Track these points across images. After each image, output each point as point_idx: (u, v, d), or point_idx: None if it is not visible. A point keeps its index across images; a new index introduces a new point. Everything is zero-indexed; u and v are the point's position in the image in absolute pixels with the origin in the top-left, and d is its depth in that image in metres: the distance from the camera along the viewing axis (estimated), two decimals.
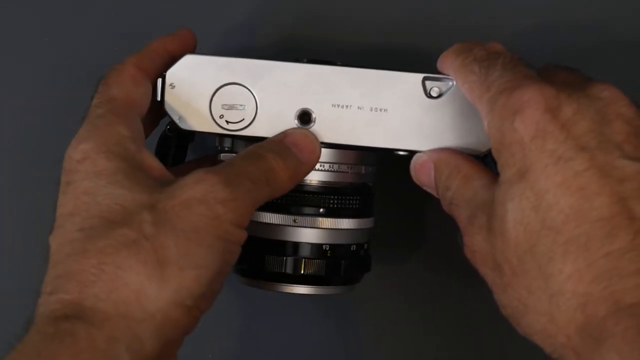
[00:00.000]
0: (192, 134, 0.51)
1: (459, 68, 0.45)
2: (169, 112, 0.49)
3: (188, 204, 0.42)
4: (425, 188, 0.48)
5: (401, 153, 0.49)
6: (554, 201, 0.39)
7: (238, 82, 0.48)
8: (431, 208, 0.59)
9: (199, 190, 0.42)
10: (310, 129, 0.48)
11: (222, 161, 0.50)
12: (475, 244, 0.43)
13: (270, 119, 0.48)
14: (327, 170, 0.49)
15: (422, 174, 0.48)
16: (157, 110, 0.49)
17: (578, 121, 0.40)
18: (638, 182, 0.39)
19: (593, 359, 0.37)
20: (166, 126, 0.52)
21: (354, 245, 0.51)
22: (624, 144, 0.40)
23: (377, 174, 0.52)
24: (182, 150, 0.55)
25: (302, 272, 0.49)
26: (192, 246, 0.41)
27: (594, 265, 0.38)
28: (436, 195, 0.48)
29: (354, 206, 0.50)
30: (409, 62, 0.50)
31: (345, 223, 0.50)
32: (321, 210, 0.49)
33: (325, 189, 0.50)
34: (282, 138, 0.48)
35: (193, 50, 0.50)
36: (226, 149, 0.50)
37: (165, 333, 0.41)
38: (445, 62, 0.47)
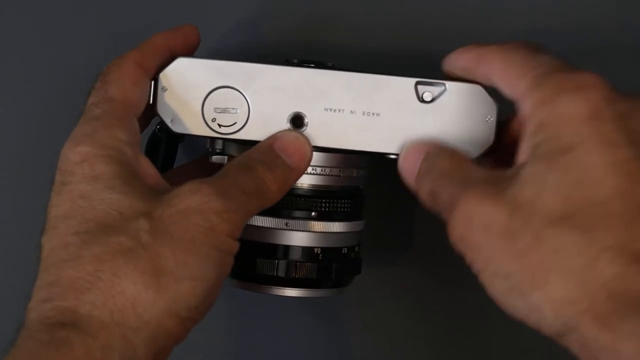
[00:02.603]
0: (183, 135, 0.51)
1: (502, 48, 0.45)
2: (161, 115, 0.48)
3: (185, 214, 0.42)
4: (407, 178, 0.48)
5: (393, 157, 0.49)
6: (602, 178, 0.39)
7: (230, 85, 0.48)
8: (422, 209, 0.59)
9: (195, 200, 0.42)
10: (302, 133, 0.48)
11: (214, 164, 0.50)
12: (479, 211, 0.41)
13: (263, 123, 0.48)
14: (319, 174, 0.49)
15: (408, 161, 0.47)
16: (151, 108, 0.49)
17: (631, 117, 0.41)
18: None
19: (620, 327, 0.37)
20: (156, 126, 0.52)
21: (345, 248, 0.51)
22: None
23: (369, 177, 0.52)
24: (172, 149, 0.54)
25: (294, 275, 0.49)
26: (189, 256, 0.41)
27: (636, 242, 0.38)
28: (415, 188, 0.47)
29: (346, 209, 0.51)
30: (407, 65, 0.50)
31: (337, 226, 0.50)
32: (313, 213, 0.50)
33: (317, 192, 0.50)
34: (272, 142, 0.47)
35: (196, 48, 0.50)
36: (217, 150, 0.50)
37: (158, 342, 0.41)
38: (484, 45, 0.46)
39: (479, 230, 0.41)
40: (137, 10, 0.60)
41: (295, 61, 0.50)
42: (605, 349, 0.37)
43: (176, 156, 0.55)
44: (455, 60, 0.48)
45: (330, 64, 0.53)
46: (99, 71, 0.47)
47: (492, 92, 0.47)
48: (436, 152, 0.46)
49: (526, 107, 0.42)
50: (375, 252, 0.57)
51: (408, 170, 0.47)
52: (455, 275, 0.60)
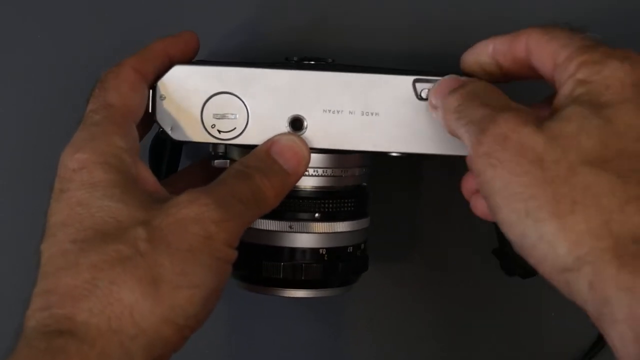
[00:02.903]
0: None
1: (540, 26, 0.45)
2: (161, 123, 0.49)
3: (183, 223, 0.42)
4: (433, 98, 0.47)
5: (394, 154, 0.49)
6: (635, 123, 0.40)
7: (228, 91, 0.48)
8: (428, 206, 0.59)
9: (193, 210, 0.42)
10: (302, 135, 0.48)
11: (216, 168, 0.50)
12: (518, 132, 0.40)
13: (262, 127, 0.48)
14: (321, 176, 0.49)
15: (444, 83, 0.47)
16: (150, 116, 0.49)
17: None
18: None
19: None
20: (159, 129, 0.52)
21: (351, 247, 0.51)
22: None
23: (372, 173, 0.52)
24: (177, 152, 0.55)
25: (300, 277, 0.49)
26: (187, 265, 0.41)
27: None
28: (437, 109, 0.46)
29: (349, 208, 0.51)
30: (409, 65, 0.49)
31: (341, 226, 0.50)
32: (316, 215, 0.49)
33: (320, 193, 0.50)
34: (269, 147, 0.47)
35: (195, 54, 0.50)
36: (220, 154, 0.50)
37: (155, 350, 0.41)
38: (523, 30, 0.46)
39: (513, 149, 0.40)
40: (137, 10, 0.60)
41: (295, 59, 0.50)
42: (622, 289, 0.36)
43: (180, 158, 0.55)
44: (485, 46, 0.47)
45: (330, 60, 0.52)
46: (99, 71, 0.48)
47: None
48: (474, 79, 0.46)
49: (570, 68, 0.42)
50: (380, 248, 0.57)
51: (438, 90, 0.47)
52: (460, 272, 0.60)
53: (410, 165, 0.59)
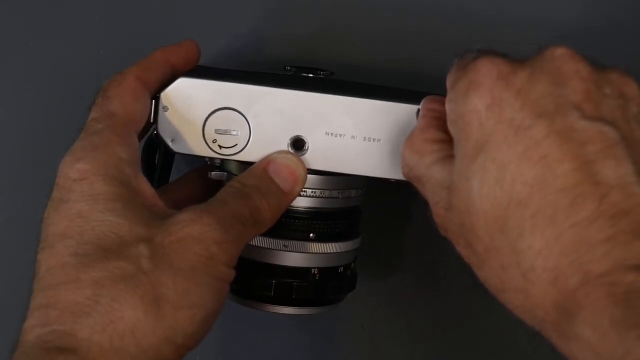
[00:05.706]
0: None
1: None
2: (162, 134, 0.48)
3: (186, 242, 0.42)
4: None
5: (393, 181, 0.49)
6: (518, 174, 0.38)
7: (232, 107, 0.48)
8: (419, 213, 0.59)
9: (196, 229, 0.42)
10: (303, 156, 0.48)
11: (213, 180, 0.50)
12: (445, 222, 0.43)
13: (264, 146, 0.48)
14: (319, 197, 0.49)
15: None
16: (150, 125, 0.49)
17: (534, 85, 0.39)
18: (600, 143, 0.38)
19: (568, 334, 0.37)
20: (153, 131, 0.51)
21: (342, 267, 0.51)
22: (583, 104, 0.39)
23: (366, 194, 0.53)
24: (169, 159, 0.55)
25: (291, 295, 0.50)
26: (190, 285, 0.42)
27: (562, 237, 0.37)
28: None
29: (344, 230, 0.51)
30: (407, 75, 0.49)
31: (335, 247, 0.50)
32: (311, 235, 0.50)
33: (316, 215, 0.50)
34: (266, 166, 0.47)
35: (197, 63, 0.50)
36: (217, 164, 0.50)
37: None
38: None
39: (455, 242, 0.42)
40: (139, 16, 0.60)
41: (288, 68, 0.51)
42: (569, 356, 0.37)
43: (172, 165, 0.55)
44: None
45: (330, 72, 0.52)
46: (98, 72, 0.48)
47: None
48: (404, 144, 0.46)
49: (447, 110, 0.42)
50: (373, 253, 0.57)
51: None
52: (450, 276, 0.60)
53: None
